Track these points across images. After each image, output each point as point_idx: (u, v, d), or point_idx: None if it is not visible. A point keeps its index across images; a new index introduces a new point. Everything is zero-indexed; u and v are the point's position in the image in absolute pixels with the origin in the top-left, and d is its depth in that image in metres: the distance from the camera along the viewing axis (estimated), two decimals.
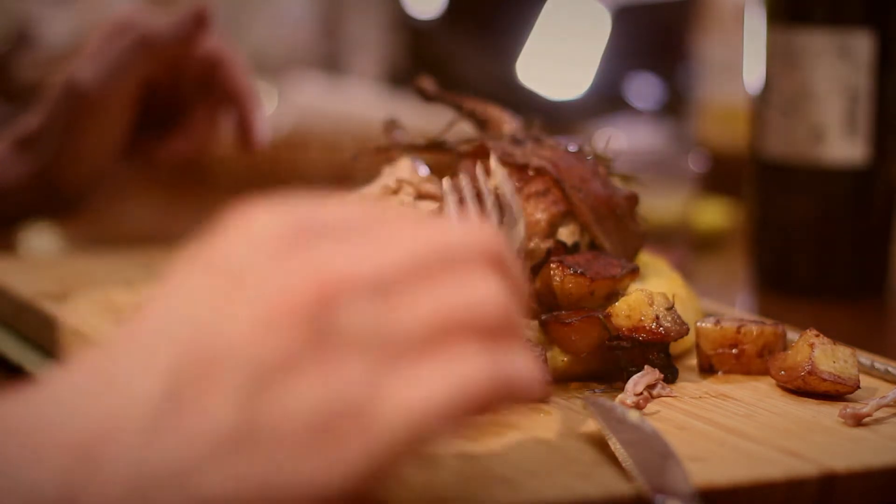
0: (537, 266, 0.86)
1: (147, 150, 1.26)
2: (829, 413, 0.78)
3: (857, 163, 1.17)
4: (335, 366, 0.52)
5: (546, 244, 0.88)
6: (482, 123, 0.99)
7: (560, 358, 0.83)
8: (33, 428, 0.51)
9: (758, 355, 0.86)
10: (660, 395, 0.80)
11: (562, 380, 0.82)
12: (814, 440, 0.74)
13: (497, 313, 0.55)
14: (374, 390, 0.53)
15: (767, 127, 1.19)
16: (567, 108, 2.02)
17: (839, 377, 0.81)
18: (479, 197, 0.85)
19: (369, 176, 0.93)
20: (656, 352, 0.83)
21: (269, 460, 0.52)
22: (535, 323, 0.84)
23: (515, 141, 0.93)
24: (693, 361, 0.87)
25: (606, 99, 2.03)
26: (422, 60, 2.08)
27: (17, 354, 0.96)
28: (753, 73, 1.21)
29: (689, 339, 0.86)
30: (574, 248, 0.88)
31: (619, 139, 1.20)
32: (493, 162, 0.88)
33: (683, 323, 0.83)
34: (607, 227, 0.90)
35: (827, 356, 0.81)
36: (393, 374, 0.53)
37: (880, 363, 0.86)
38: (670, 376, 0.83)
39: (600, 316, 0.82)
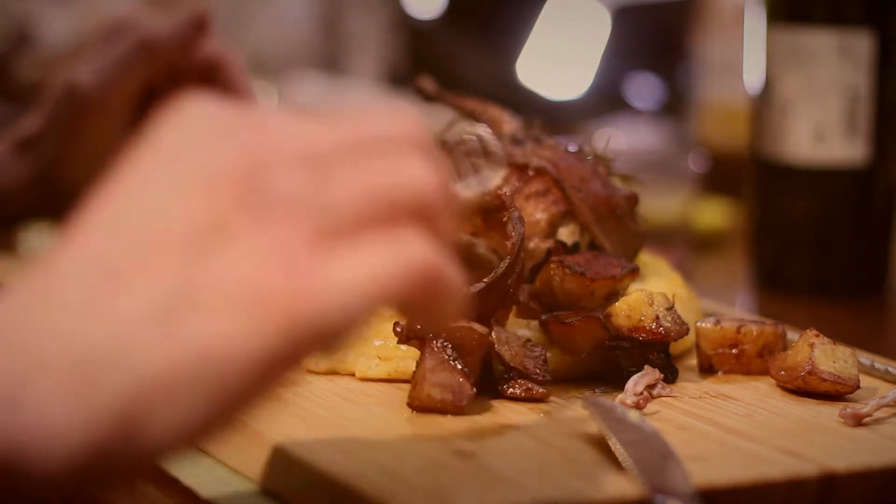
0: (537, 266, 0.86)
1: None
2: (829, 413, 0.78)
3: (857, 163, 1.17)
4: (272, 232, 0.53)
5: (546, 244, 0.88)
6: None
7: (560, 358, 0.83)
8: None
9: (758, 355, 0.86)
10: (660, 395, 0.80)
11: (562, 380, 0.82)
12: (814, 440, 0.74)
13: (428, 193, 0.56)
14: (313, 259, 0.53)
15: (767, 127, 1.19)
16: (567, 108, 2.02)
17: (839, 377, 0.81)
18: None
19: None
20: (656, 352, 0.83)
21: (207, 328, 0.51)
22: (535, 323, 0.84)
23: (515, 141, 0.93)
24: (693, 361, 0.87)
25: (606, 99, 2.03)
26: (422, 60, 2.08)
27: None
28: (753, 73, 1.21)
29: (689, 339, 0.86)
30: (574, 248, 0.89)
31: (619, 139, 1.20)
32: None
33: (683, 323, 0.83)
34: (607, 227, 0.90)
35: (827, 356, 0.81)
36: (333, 247, 0.53)
37: (880, 363, 0.86)
38: (670, 376, 0.83)
39: (600, 316, 0.82)
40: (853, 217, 1.19)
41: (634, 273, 0.87)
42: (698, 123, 1.70)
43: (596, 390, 0.82)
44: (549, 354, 0.82)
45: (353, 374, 0.83)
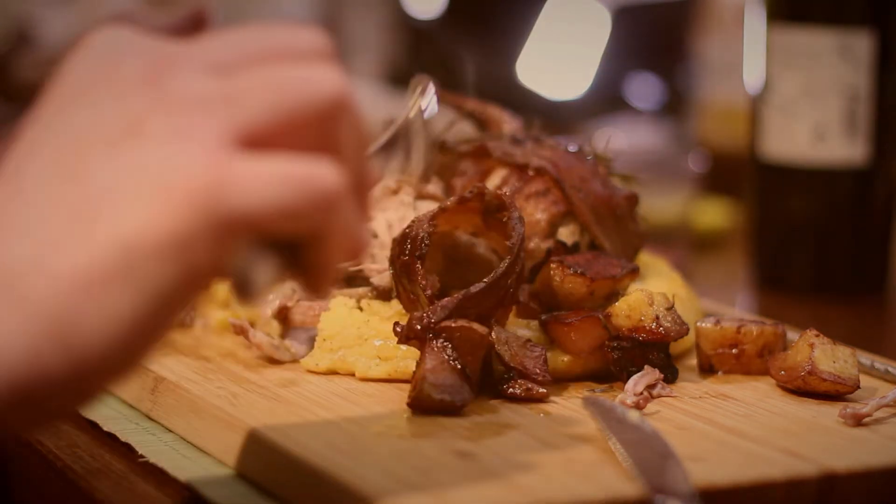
0: (537, 266, 0.86)
1: None
2: (829, 413, 0.78)
3: (857, 163, 1.17)
4: (185, 128, 0.54)
5: (546, 244, 0.88)
6: (482, 123, 0.99)
7: (560, 358, 0.83)
8: None
9: (758, 355, 0.86)
10: (660, 395, 0.80)
11: (562, 380, 0.82)
12: (814, 440, 0.74)
13: (335, 95, 0.57)
14: (227, 153, 0.54)
15: (767, 127, 1.19)
16: (567, 108, 2.02)
17: (839, 377, 0.81)
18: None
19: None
20: (656, 352, 0.83)
21: (127, 218, 0.53)
22: (535, 323, 0.84)
23: (515, 141, 0.93)
24: (693, 361, 0.87)
25: (606, 99, 2.03)
26: (422, 60, 2.08)
27: None
28: (753, 73, 1.21)
29: (689, 339, 0.86)
30: (574, 248, 0.89)
31: (619, 139, 1.20)
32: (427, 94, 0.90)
33: (683, 323, 0.83)
34: (607, 227, 0.90)
35: (827, 356, 0.81)
36: (248, 145, 0.55)
37: (880, 363, 0.86)
38: (670, 376, 0.83)
39: (600, 316, 0.82)
40: (853, 217, 1.19)
41: (634, 273, 0.87)
42: (698, 123, 1.71)
43: (596, 390, 0.82)
44: (549, 354, 0.82)
45: (353, 374, 0.83)
